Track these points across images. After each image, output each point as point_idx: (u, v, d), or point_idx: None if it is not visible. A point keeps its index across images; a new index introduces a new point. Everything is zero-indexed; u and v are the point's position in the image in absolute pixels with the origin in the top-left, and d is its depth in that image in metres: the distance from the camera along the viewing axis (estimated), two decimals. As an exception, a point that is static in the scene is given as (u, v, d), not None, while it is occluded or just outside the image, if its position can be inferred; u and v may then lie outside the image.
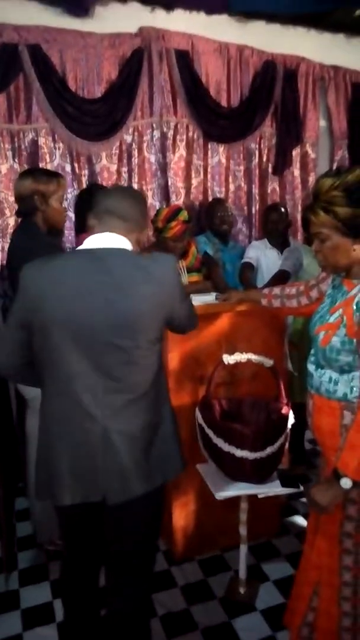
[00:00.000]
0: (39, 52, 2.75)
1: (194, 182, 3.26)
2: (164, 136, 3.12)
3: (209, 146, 3.27)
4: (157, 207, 3.04)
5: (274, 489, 1.84)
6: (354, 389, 1.35)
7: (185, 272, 2.63)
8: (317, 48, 3.48)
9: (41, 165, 2.83)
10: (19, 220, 2.13)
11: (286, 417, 1.86)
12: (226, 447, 1.78)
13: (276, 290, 1.85)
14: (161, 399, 1.38)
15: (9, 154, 2.80)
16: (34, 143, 2.85)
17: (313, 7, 3.16)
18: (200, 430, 1.91)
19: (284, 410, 1.87)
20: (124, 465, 1.27)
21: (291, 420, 1.89)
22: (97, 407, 1.26)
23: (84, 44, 2.85)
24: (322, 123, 3.67)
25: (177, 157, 3.17)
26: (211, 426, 1.83)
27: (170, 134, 3.13)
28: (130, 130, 3.03)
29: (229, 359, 1.88)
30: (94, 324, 1.23)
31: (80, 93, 2.89)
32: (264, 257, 2.92)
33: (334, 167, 3.62)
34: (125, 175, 3.08)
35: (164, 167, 3.17)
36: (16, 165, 2.82)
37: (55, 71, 2.81)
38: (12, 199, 2.74)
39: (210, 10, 3.13)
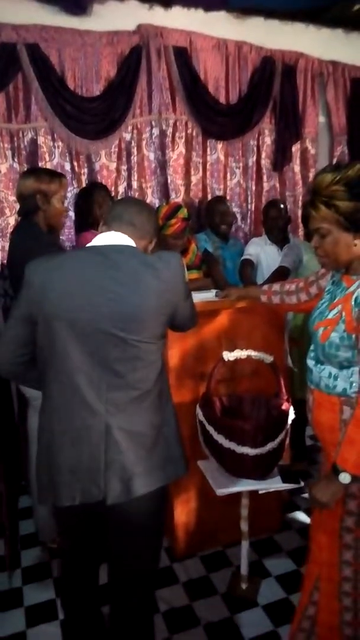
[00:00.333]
0: (37, 51, 2.75)
1: (194, 179, 3.26)
2: (163, 134, 3.12)
3: (208, 143, 3.27)
4: (157, 205, 3.04)
5: (275, 485, 1.85)
6: (354, 384, 1.35)
7: (185, 269, 2.62)
8: (316, 43, 3.47)
9: (40, 164, 2.83)
10: (19, 219, 2.14)
11: (286, 413, 1.87)
12: (227, 443, 1.79)
13: (275, 286, 1.85)
14: (164, 399, 1.38)
15: (9, 153, 2.80)
16: (33, 142, 2.85)
17: (311, 2, 3.15)
18: (200, 426, 1.91)
19: (284, 406, 1.87)
20: (126, 463, 1.26)
21: (291, 416, 1.89)
22: (100, 403, 1.25)
23: (82, 42, 2.85)
24: (322, 119, 3.66)
25: (176, 155, 3.17)
26: (212, 423, 1.84)
27: (169, 131, 3.12)
28: (129, 128, 3.03)
29: (229, 355, 1.89)
30: (99, 318, 1.23)
31: (79, 91, 2.89)
32: (264, 254, 2.92)
33: (334, 162, 3.62)
34: (124, 174, 3.08)
35: (163, 165, 3.17)
36: (16, 165, 2.82)
37: (53, 70, 2.80)
38: (12, 198, 2.75)
39: (208, 7, 3.12)
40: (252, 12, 3.23)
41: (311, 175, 3.59)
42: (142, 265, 1.26)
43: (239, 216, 3.45)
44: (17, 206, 2.11)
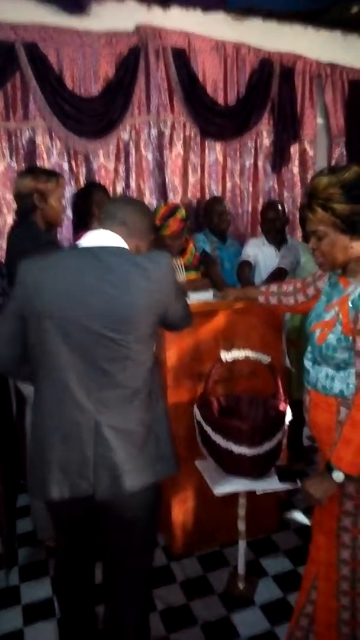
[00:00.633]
0: (35, 51, 2.75)
1: (192, 180, 3.27)
2: (161, 134, 3.13)
3: (206, 144, 3.28)
4: (155, 205, 3.05)
5: (272, 484, 1.86)
6: (350, 385, 1.37)
7: (184, 270, 2.64)
8: (314, 45, 3.49)
9: (38, 163, 2.83)
10: (17, 218, 2.14)
11: (284, 414, 1.88)
12: (224, 443, 1.80)
13: (273, 287, 1.86)
14: (155, 397, 1.38)
15: (6, 152, 2.80)
16: (31, 141, 2.85)
17: (310, 4, 3.16)
18: (198, 426, 1.92)
19: (281, 407, 1.88)
20: (116, 460, 1.27)
21: (289, 416, 1.90)
22: (90, 401, 1.27)
23: (80, 42, 2.85)
24: (320, 120, 3.68)
25: (174, 155, 3.18)
26: (209, 423, 1.84)
27: (168, 132, 3.13)
28: (128, 128, 3.04)
29: (226, 356, 1.89)
30: (89, 319, 1.24)
31: (77, 91, 2.89)
32: (262, 255, 2.93)
33: (332, 164, 3.64)
34: (122, 174, 3.09)
35: (161, 165, 3.18)
36: (13, 164, 2.83)
37: (52, 69, 2.81)
38: (9, 197, 2.75)
39: (206, 8, 3.13)
40: (250, 14, 3.24)
41: (309, 176, 3.61)
42: (132, 266, 1.27)
43: (237, 217, 3.46)
44: (15, 205, 2.11)
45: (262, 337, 2.16)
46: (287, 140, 3.49)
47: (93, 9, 2.89)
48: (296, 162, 3.59)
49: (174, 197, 3.20)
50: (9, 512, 2.25)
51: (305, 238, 2.82)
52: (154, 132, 3.11)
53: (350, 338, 1.33)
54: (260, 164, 3.49)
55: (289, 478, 1.87)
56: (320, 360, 1.43)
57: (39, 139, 2.85)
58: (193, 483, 2.14)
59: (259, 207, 3.38)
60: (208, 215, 3.06)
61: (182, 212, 2.54)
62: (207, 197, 3.28)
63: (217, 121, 3.24)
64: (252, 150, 3.43)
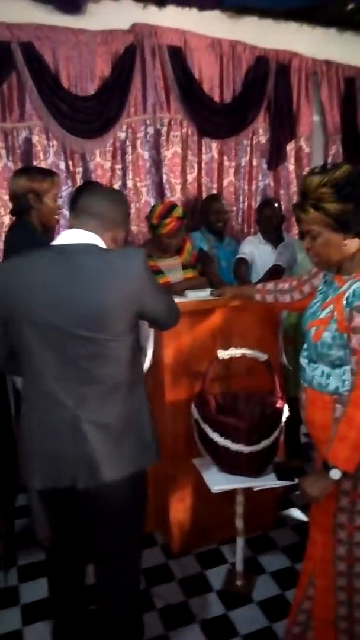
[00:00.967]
0: (31, 50, 2.75)
1: (189, 178, 3.27)
2: (157, 133, 3.12)
3: (203, 142, 3.27)
4: (152, 204, 3.05)
5: (270, 482, 1.86)
6: (346, 382, 1.37)
7: (181, 268, 2.64)
8: (310, 43, 3.48)
9: (35, 163, 2.83)
10: (14, 218, 2.13)
11: (281, 411, 1.88)
12: (222, 441, 1.80)
13: (269, 285, 1.86)
14: (136, 391, 1.40)
15: (3, 152, 2.80)
16: (28, 141, 2.85)
17: (305, 1, 3.16)
18: (196, 425, 1.92)
19: (278, 404, 1.88)
20: (94, 453, 1.31)
21: (286, 413, 1.91)
22: (68, 397, 1.30)
23: (76, 41, 2.85)
24: (316, 118, 3.67)
25: (171, 154, 3.18)
26: (207, 421, 1.85)
27: (164, 130, 3.13)
28: (124, 127, 3.03)
29: (223, 354, 1.90)
30: (61, 319, 1.26)
31: (73, 90, 2.89)
32: (258, 253, 2.93)
33: (329, 161, 3.64)
34: (119, 172, 3.08)
35: (158, 164, 3.17)
36: (10, 164, 2.82)
37: (48, 69, 2.80)
38: (6, 197, 2.75)
39: (202, 6, 3.13)
40: (246, 12, 3.24)
41: (305, 174, 3.60)
42: (103, 264, 1.28)
43: (234, 215, 3.46)
44: (12, 205, 2.11)
45: (259, 334, 2.16)
46: (283, 137, 3.48)
47: (89, 8, 2.88)
48: (292, 160, 3.58)
49: (171, 196, 3.20)
50: (7, 512, 2.25)
51: (302, 236, 2.82)
52: (150, 130, 3.11)
53: (345, 336, 1.34)
54: (256, 161, 3.48)
55: (287, 475, 1.87)
56: (316, 358, 1.44)
57: (35, 139, 2.84)
58: (191, 481, 2.14)
59: (255, 205, 3.38)
60: (205, 213, 3.06)
61: (179, 211, 2.54)
62: (204, 195, 3.27)
63: (214, 119, 3.24)
64: (248, 148, 3.43)
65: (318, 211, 1.34)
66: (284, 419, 1.90)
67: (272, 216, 2.95)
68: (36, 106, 2.80)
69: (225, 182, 3.41)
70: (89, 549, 1.50)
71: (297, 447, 2.85)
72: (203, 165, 3.30)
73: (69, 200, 2.89)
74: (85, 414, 1.31)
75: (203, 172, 3.31)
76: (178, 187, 3.24)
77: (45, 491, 1.38)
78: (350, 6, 3.27)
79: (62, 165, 2.93)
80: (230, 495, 1.97)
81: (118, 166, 3.08)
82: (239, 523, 2.01)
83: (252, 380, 2.13)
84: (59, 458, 1.32)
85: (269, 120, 3.46)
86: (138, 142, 3.09)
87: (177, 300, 2.03)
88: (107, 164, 3.03)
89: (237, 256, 2.95)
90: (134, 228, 3.17)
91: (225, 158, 3.37)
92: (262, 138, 3.47)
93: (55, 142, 2.89)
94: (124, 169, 3.08)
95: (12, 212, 2.10)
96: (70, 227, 1.36)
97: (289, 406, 1.96)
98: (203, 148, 3.28)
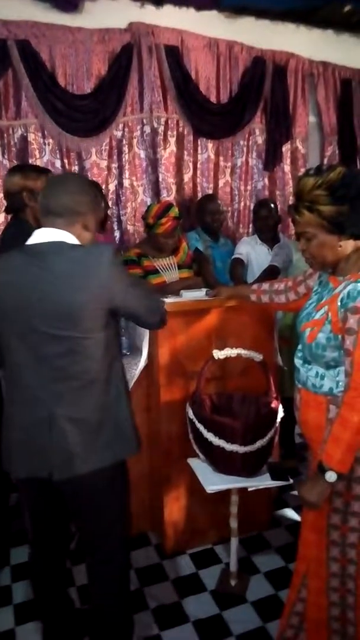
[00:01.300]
0: (27, 48, 2.74)
1: (185, 177, 3.27)
2: (154, 132, 3.12)
3: (199, 142, 3.27)
4: (148, 203, 3.05)
5: (264, 482, 1.86)
6: (340, 383, 1.37)
7: (177, 268, 2.64)
8: (307, 44, 3.49)
9: (30, 161, 2.82)
10: (10, 216, 2.12)
11: (276, 411, 1.88)
12: (216, 441, 1.80)
13: (265, 285, 1.86)
14: (112, 385, 1.42)
15: (-2, 150, 2.79)
16: (23, 139, 2.84)
17: (302, 3, 3.17)
18: (190, 424, 1.92)
19: (273, 405, 1.89)
20: (69, 446, 1.34)
21: (280, 414, 1.91)
22: (44, 393, 1.34)
23: (73, 39, 2.84)
24: (312, 119, 3.68)
25: (167, 153, 3.18)
26: (202, 421, 1.85)
27: (161, 129, 3.12)
28: (120, 126, 3.03)
29: (219, 354, 1.90)
30: (32, 318, 1.30)
31: (69, 89, 2.88)
32: (254, 253, 2.93)
33: (325, 162, 3.65)
34: (115, 172, 3.08)
35: (154, 163, 3.17)
36: (5, 162, 2.81)
37: (44, 67, 2.79)
38: (1, 195, 2.73)
39: (200, 6, 3.13)
40: (243, 12, 3.24)
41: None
42: (72, 263, 1.30)
43: (229, 215, 3.46)
44: (6, 203, 2.10)
45: (254, 335, 2.16)
46: (280, 138, 3.49)
47: (86, 6, 2.88)
48: (288, 161, 3.59)
49: (167, 195, 3.19)
50: (0, 511, 2.24)
51: (298, 237, 2.83)
52: (147, 129, 3.11)
53: (340, 337, 1.34)
54: (252, 162, 3.49)
55: (281, 475, 1.88)
56: (310, 359, 1.44)
57: (31, 137, 2.83)
58: (185, 481, 2.14)
59: (251, 206, 3.38)
60: (201, 213, 3.06)
61: (175, 210, 2.54)
62: (200, 195, 3.27)
63: (210, 119, 3.24)
64: (245, 149, 3.44)
65: (312, 213, 1.34)
66: (278, 419, 1.90)
67: (268, 217, 2.95)
68: (32, 104, 2.79)
69: (221, 183, 3.41)
70: (70, 538, 1.58)
71: (291, 447, 2.86)
72: (199, 165, 3.30)
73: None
74: (61, 410, 1.34)
75: (199, 172, 3.31)
76: (174, 187, 3.24)
77: (26, 480, 1.44)
78: (347, 8, 3.29)
79: (58, 164, 2.93)
80: (224, 495, 1.97)
81: (114, 165, 3.07)
82: (233, 523, 2.01)
83: (247, 380, 2.13)
84: (36, 450, 1.37)
85: (266, 121, 3.46)
86: (134, 141, 3.09)
87: (172, 300, 2.05)
88: (104, 163, 3.03)
89: (233, 256, 2.95)
90: (129, 227, 3.16)
91: (222, 158, 3.37)
92: (259, 139, 3.48)
93: (51, 141, 2.88)
94: (120, 168, 3.08)
95: (7, 210, 2.09)
96: (42, 225, 1.38)
97: (284, 406, 1.96)
98: (199, 148, 3.28)
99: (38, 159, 2.85)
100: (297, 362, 1.50)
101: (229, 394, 2.08)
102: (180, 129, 3.20)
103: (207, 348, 2.01)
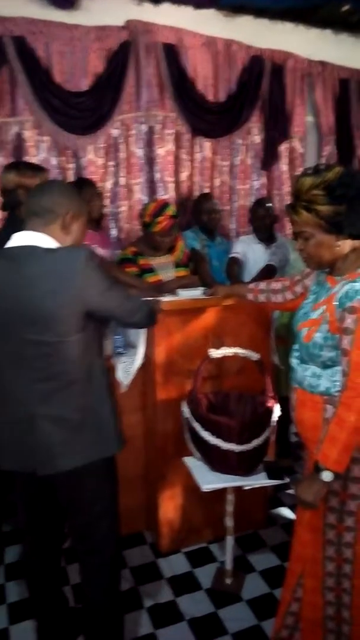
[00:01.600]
0: (24, 44, 2.72)
1: (182, 176, 3.26)
2: (151, 130, 3.11)
3: (196, 141, 3.27)
4: (145, 202, 3.04)
5: (260, 481, 1.87)
6: (336, 383, 1.37)
7: (173, 266, 2.63)
8: (305, 43, 3.49)
9: (26, 158, 2.80)
10: (5, 213, 2.12)
11: (272, 411, 1.88)
12: (213, 440, 1.80)
13: (262, 285, 1.86)
14: (94, 384, 1.43)
15: (-6, 147, 2.77)
16: (19, 136, 2.82)
17: (301, 2, 3.17)
18: (187, 423, 1.92)
19: (269, 404, 1.89)
20: (51, 445, 1.38)
21: (277, 413, 1.91)
22: (25, 395, 1.38)
23: (70, 36, 2.82)
24: (310, 118, 3.68)
25: (164, 152, 3.17)
26: (198, 419, 1.85)
27: (158, 128, 3.12)
28: (117, 124, 3.02)
29: (215, 353, 1.90)
30: (8, 322, 1.33)
31: (66, 86, 2.86)
32: (251, 252, 2.93)
33: (322, 162, 3.65)
34: (112, 170, 3.07)
35: (151, 162, 3.16)
36: (1, 159, 2.79)
37: (40, 64, 2.78)
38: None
39: (198, 4, 3.12)
40: (241, 11, 3.24)
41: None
42: (44, 267, 1.30)
43: (226, 214, 3.45)
44: (2, 200, 2.09)
45: (251, 334, 2.16)
46: (277, 137, 3.49)
47: (83, 4, 2.86)
48: (286, 160, 3.59)
49: (164, 194, 3.19)
50: (-5, 510, 2.24)
51: (295, 236, 2.83)
52: (144, 128, 3.10)
53: (337, 337, 1.34)
54: (249, 161, 3.48)
55: (276, 474, 1.88)
56: (307, 359, 1.44)
57: (27, 134, 2.82)
58: (181, 479, 2.14)
59: (248, 205, 3.38)
60: (197, 212, 3.06)
61: (171, 209, 2.53)
62: (197, 193, 3.27)
63: (208, 118, 3.23)
64: (242, 148, 3.43)
65: (310, 213, 1.34)
66: (275, 418, 1.90)
67: (265, 216, 2.95)
68: (28, 101, 2.77)
69: (218, 182, 3.41)
70: (63, 541, 1.63)
71: (286, 446, 2.87)
72: (196, 164, 3.29)
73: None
74: (42, 409, 1.37)
75: (196, 170, 3.30)
76: (171, 186, 3.23)
77: (18, 474, 1.49)
78: (346, 8, 3.28)
79: (54, 162, 2.91)
80: (220, 494, 1.97)
81: (111, 163, 3.06)
82: (229, 522, 2.01)
83: (243, 379, 2.13)
84: (20, 447, 1.40)
85: (263, 120, 3.46)
86: (131, 139, 3.08)
87: (169, 298, 2.04)
88: (100, 161, 3.02)
89: (230, 255, 2.95)
90: (126, 226, 3.15)
91: (219, 157, 3.37)
92: (256, 138, 3.47)
93: (47, 138, 2.87)
94: (117, 166, 3.07)
95: (3, 207, 2.08)
96: (24, 228, 1.39)
97: (280, 406, 1.96)
98: (196, 147, 3.27)
99: (34, 157, 2.84)
100: (294, 361, 1.50)
101: (226, 393, 2.08)
102: (177, 128, 3.19)
103: (203, 347, 2.01)
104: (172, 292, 2.19)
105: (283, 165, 3.58)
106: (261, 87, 3.36)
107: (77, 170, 2.98)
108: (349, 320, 1.30)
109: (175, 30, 3.06)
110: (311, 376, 1.42)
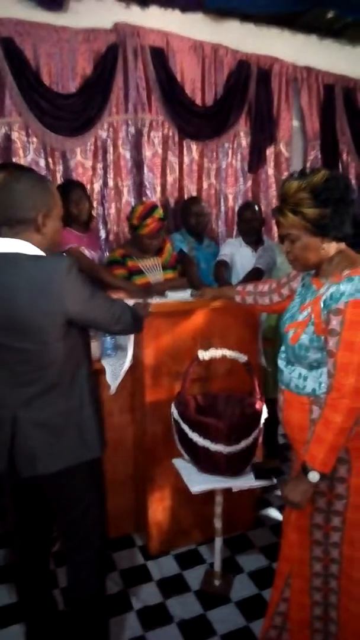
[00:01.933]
0: (12, 46, 2.71)
1: (169, 179, 3.27)
2: (139, 133, 3.12)
3: (184, 144, 3.28)
4: (133, 204, 3.04)
5: (248, 482, 1.88)
6: (322, 384, 1.39)
7: (161, 269, 2.64)
8: (291, 49, 3.53)
9: (14, 160, 2.79)
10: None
11: (260, 412, 1.90)
12: (201, 441, 1.81)
13: (249, 287, 1.88)
14: (76, 388, 1.44)
15: (-19, 148, 2.75)
16: (7, 137, 2.81)
17: (286, 7, 3.20)
18: (175, 425, 1.92)
19: (257, 405, 1.90)
20: (31, 448, 1.39)
21: (264, 414, 1.92)
22: (8, 397, 1.39)
23: (57, 38, 2.82)
24: (295, 123, 3.72)
25: (152, 154, 3.18)
26: (186, 421, 1.85)
27: (145, 130, 3.12)
28: (105, 126, 3.02)
29: (204, 354, 1.90)
30: None
31: (54, 88, 2.86)
32: (239, 255, 2.95)
33: (308, 166, 3.69)
34: (100, 172, 3.07)
35: (139, 164, 3.17)
36: (-11, 160, 2.78)
37: (28, 65, 2.77)
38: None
39: (185, 8, 3.14)
40: (228, 15, 3.26)
41: (284, 178, 3.64)
42: (23, 276, 1.29)
43: (213, 217, 3.47)
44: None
45: (239, 336, 2.18)
46: (264, 141, 3.52)
47: (71, 6, 2.86)
48: (272, 164, 3.63)
49: (152, 196, 3.19)
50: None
51: (282, 239, 2.85)
52: (131, 130, 3.10)
53: (323, 338, 1.36)
54: (236, 164, 3.51)
55: (264, 475, 1.89)
56: (293, 360, 1.46)
57: (14, 135, 2.81)
58: (170, 481, 2.14)
59: (235, 208, 3.41)
60: (185, 215, 3.07)
61: (159, 212, 2.54)
62: (185, 196, 3.28)
63: (195, 121, 3.25)
64: (229, 151, 3.46)
65: (296, 215, 1.36)
66: (262, 419, 1.91)
67: (252, 219, 2.98)
68: (16, 102, 2.76)
69: (205, 184, 3.43)
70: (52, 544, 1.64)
71: (274, 447, 2.88)
72: (184, 166, 3.31)
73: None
74: (24, 413, 1.38)
75: (184, 173, 3.32)
76: (159, 188, 3.24)
77: (2, 476, 1.49)
78: (331, 14, 3.33)
79: (42, 163, 2.90)
80: (209, 495, 1.97)
81: (99, 165, 3.06)
82: (218, 523, 2.02)
83: (231, 381, 2.15)
84: (3, 450, 1.41)
85: (250, 124, 3.49)
86: (119, 142, 3.08)
87: (157, 300, 2.05)
88: (88, 163, 3.01)
89: (218, 258, 2.96)
90: (114, 228, 3.15)
91: (206, 160, 3.39)
92: (243, 141, 3.50)
93: (35, 139, 2.86)
94: (105, 168, 3.07)
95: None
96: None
97: (267, 407, 1.97)
98: (184, 150, 3.29)
99: (22, 158, 2.82)
100: (281, 363, 1.52)
101: (214, 395, 2.09)
102: (165, 131, 3.20)
103: (192, 349, 2.02)
104: (160, 294, 2.19)
105: (269, 169, 3.62)
106: (248, 91, 3.40)
107: (65, 171, 2.97)
108: (335, 322, 1.32)
109: (163, 34, 3.08)
110: (298, 377, 1.44)
